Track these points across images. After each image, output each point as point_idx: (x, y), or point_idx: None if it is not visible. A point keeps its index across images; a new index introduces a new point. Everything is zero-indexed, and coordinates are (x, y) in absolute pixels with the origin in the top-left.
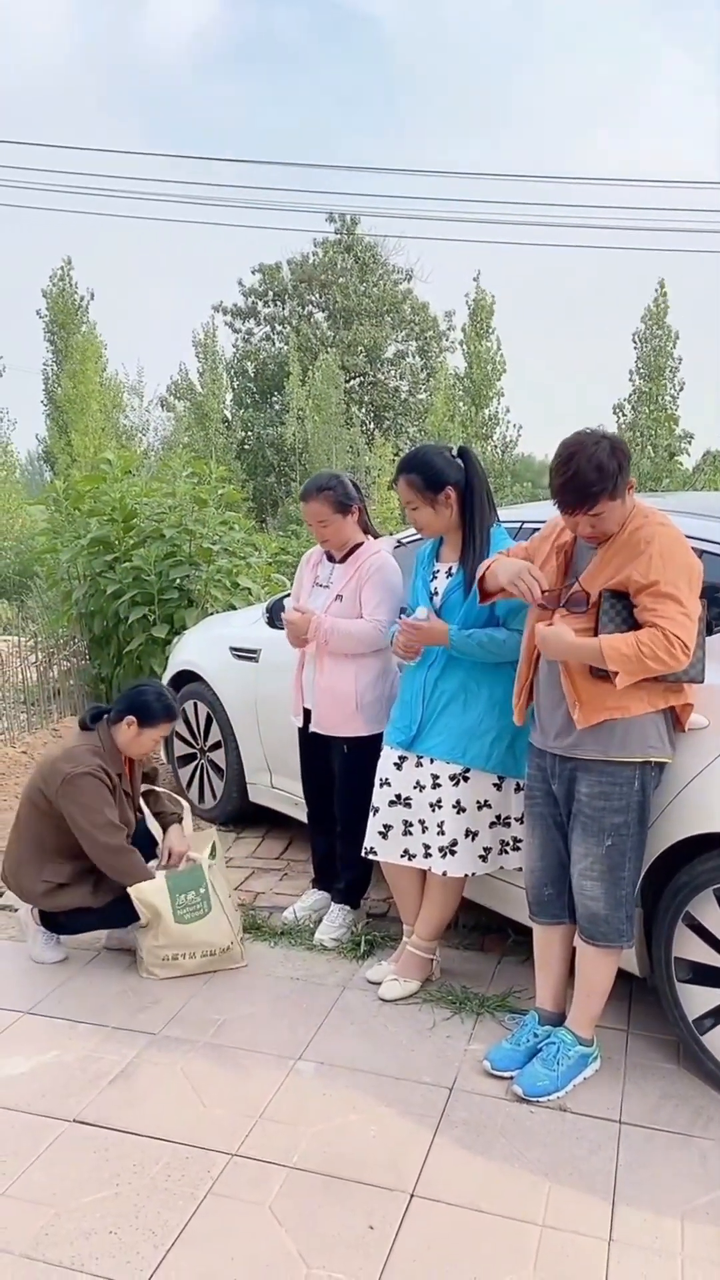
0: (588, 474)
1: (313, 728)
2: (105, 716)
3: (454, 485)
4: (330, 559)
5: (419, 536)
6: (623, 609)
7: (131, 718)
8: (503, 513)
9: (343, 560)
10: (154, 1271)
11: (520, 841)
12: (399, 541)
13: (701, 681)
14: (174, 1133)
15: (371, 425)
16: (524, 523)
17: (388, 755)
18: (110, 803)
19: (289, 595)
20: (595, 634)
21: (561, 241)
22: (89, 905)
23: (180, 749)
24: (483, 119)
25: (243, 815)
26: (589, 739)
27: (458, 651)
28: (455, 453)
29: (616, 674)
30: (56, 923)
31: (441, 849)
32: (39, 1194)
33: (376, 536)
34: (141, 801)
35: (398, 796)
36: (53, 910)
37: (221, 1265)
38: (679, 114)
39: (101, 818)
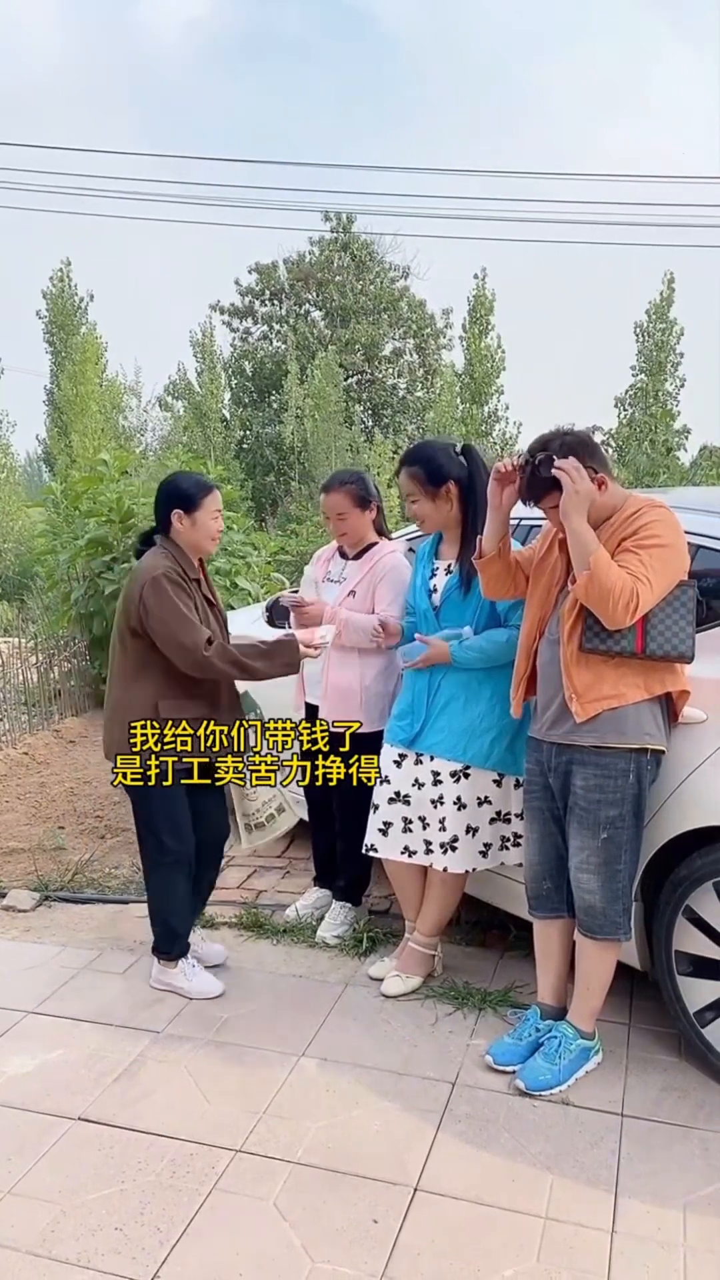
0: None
1: (322, 715)
2: (155, 536)
3: (455, 481)
4: (343, 555)
5: (420, 534)
6: None
7: (178, 511)
8: None
9: (356, 557)
10: (160, 1267)
11: (520, 838)
12: (410, 546)
13: (691, 660)
14: (178, 1129)
15: (370, 423)
16: (520, 519)
17: (387, 753)
18: (190, 605)
19: (289, 592)
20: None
21: (562, 238)
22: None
23: None
24: (484, 115)
25: None
26: (585, 726)
27: (461, 664)
28: (459, 450)
29: (585, 573)
30: (168, 936)
31: (443, 845)
32: (45, 1191)
33: (390, 538)
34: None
35: (397, 794)
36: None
37: (227, 1260)
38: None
39: (185, 619)
